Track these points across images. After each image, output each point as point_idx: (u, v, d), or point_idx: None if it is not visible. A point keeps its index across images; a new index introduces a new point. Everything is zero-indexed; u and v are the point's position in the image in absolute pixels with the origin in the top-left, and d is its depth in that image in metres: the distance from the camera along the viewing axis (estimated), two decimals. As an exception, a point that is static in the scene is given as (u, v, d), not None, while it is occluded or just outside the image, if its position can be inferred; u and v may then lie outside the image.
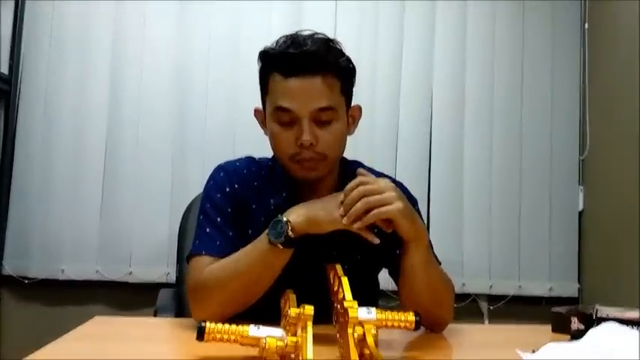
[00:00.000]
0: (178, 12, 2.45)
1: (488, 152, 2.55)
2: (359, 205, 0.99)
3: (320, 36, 1.13)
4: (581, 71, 2.63)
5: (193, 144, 2.41)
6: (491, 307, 2.52)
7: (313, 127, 1.09)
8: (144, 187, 2.38)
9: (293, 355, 0.80)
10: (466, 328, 1.22)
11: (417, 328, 0.90)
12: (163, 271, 2.33)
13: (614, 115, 2.41)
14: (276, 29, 2.25)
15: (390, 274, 1.24)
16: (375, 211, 0.99)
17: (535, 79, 2.60)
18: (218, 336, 0.84)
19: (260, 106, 1.21)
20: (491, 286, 2.51)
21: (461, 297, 2.43)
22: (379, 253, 1.18)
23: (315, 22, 2.31)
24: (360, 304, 0.84)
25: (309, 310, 0.80)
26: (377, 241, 1.01)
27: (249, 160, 1.26)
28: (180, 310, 1.48)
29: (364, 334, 0.82)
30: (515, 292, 2.52)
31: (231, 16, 2.46)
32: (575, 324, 1.12)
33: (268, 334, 0.82)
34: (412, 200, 1.18)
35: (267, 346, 0.79)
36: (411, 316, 0.89)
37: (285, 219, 1.02)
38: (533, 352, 0.85)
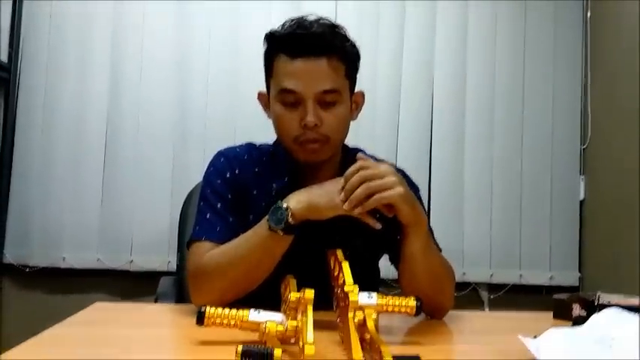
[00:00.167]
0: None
1: (489, 141, 2.55)
2: (360, 190, 0.98)
3: (326, 20, 1.13)
4: (582, 61, 2.62)
5: (194, 131, 2.41)
6: (492, 296, 2.53)
7: (317, 108, 1.10)
8: (144, 175, 2.37)
9: (293, 340, 0.79)
10: (467, 315, 1.21)
11: (417, 313, 0.89)
12: (164, 259, 2.33)
13: (615, 104, 2.40)
14: (276, 24, 2.23)
15: (391, 260, 1.24)
16: (376, 196, 0.98)
17: (537, 68, 2.59)
18: (218, 320, 0.83)
19: (263, 89, 1.21)
20: (491, 275, 2.51)
21: (461, 286, 2.43)
22: (380, 239, 1.18)
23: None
24: (361, 290, 0.83)
25: (310, 293, 0.80)
26: (379, 225, 1.01)
27: (250, 146, 1.26)
28: (180, 296, 1.48)
29: (365, 319, 0.81)
30: (516, 281, 2.52)
31: (232, 8, 2.44)
32: (577, 310, 1.11)
33: (268, 318, 0.81)
34: (414, 188, 1.18)
35: (267, 331, 0.78)
36: (411, 302, 0.89)
37: (285, 205, 1.01)
38: (535, 337, 0.85)
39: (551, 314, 1.19)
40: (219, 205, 1.16)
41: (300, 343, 0.73)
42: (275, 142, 1.24)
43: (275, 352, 0.70)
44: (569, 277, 2.54)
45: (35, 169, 2.35)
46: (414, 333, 1.04)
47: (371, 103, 2.40)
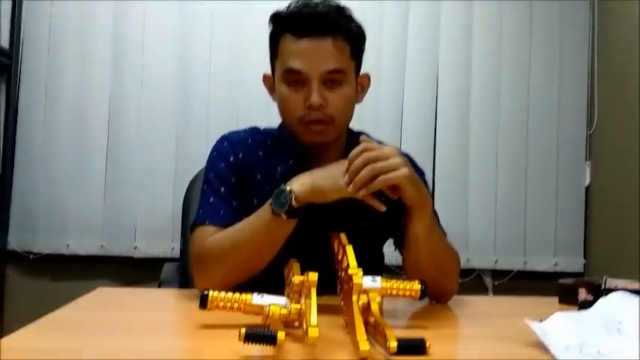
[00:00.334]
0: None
1: (494, 126, 2.53)
2: (364, 172, 0.97)
3: (331, 1, 1.13)
4: (589, 46, 2.59)
5: (197, 117, 2.40)
6: (496, 283, 2.52)
7: (322, 89, 1.09)
8: (148, 161, 2.37)
9: (297, 323, 0.79)
10: (472, 299, 1.21)
11: (422, 297, 0.89)
12: (168, 245, 2.33)
13: (621, 90, 2.38)
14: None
15: (395, 244, 1.23)
16: (381, 178, 0.97)
17: (543, 54, 2.57)
18: (221, 304, 0.83)
19: (268, 71, 1.20)
20: (496, 262, 2.50)
21: (465, 272, 2.42)
22: (385, 223, 1.17)
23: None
24: (365, 274, 0.83)
25: (313, 276, 0.79)
26: (383, 208, 1.00)
27: (254, 130, 1.25)
28: (184, 282, 1.47)
29: (369, 303, 0.81)
30: (521, 267, 2.51)
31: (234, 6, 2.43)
32: (583, 295, 1.10)
33: (272, 302, 0.81)
34: (420, 171, 1.17)
35: (270, 314, 0.78)
36: (416, 285, 0.88)
37: (288, 188, 1.00)
38: (541, 321, 0.84)
39: (556, 299, 1.18)
40: (222, 189, 1.15)
41: (304, 326, 0.73)
42: (279, 126, 1.24)
43: (279, 335, 0.69)
44: (574, 263, 2.53)
45: (38, 155, 2.34)
46: (418, 317, 1.04)
47: (375, 104, 2.40)
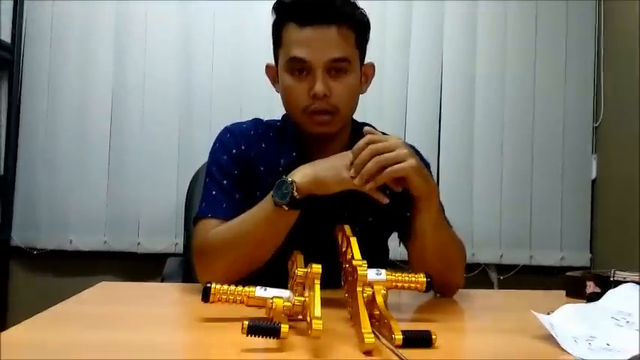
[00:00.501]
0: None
1: (499, 119, 2.50)
2: (371, 164, 0.95)
3: None
4: (595, 37, 2.56)
5: (199, 112, 2.39)
6: (502, 277, 2.50)
7: (327, 78, 1.07)
8: (151, 156, 2.36)
9: (300, 316, 0.78)
10: (477, 293, 1.20)
11: (427, 289, 0.88)
12: (171, 241, 2.32)
13: (628, 82, 2.35)
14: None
15: (400, 237, 1.22)
16: (388, 170, 0.95)
17: (549, 44, 2.53)
18: (224, 297, 0.82)
19: (271, 62, 1.18)
20: (501, 256, 2.48)
21: (470, 267, 2.40)
22: (390, 216, 1.16)
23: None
24: (369, 267, 0.81)
25: (317, 268, 0.78)
26: (386, 200, 0.98)
27: (257, 122, 1.24)
28: (187, 277, 1.47)
29: (373, 295, 0.80)
30: (526, 261, 2.49)
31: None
32: (591, 287, 1.09)
33: (275, 294, 0.80)
34: (425, 163, 1.15)
35: (274, 307, 0.77)
36: (421, 277, 0.87)
37: (290, 179, 0.99)
38: (548, 314, 0.83)
39: (563, 293, 1.16)
40: (225, 182, 1.14)
41: (308, 319, 0.72)
42: (283, 117, 1.22)
43: (282, 327, 0.68)
44: (580, 257, 2.50)
45: (41, 151, 2.34)
46: (423, 310, 1.02)
47: (378, 104, 2.38)
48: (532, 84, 2.52)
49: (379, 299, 0.79)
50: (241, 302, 0.81)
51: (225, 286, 0.82)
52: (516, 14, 2.53)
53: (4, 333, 0.70)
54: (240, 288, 0.82)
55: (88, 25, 2.36)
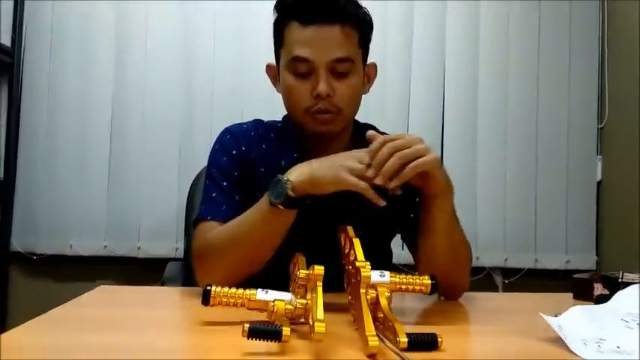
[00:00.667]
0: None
1: (503, 121, 2.48)
2: (392, 160, 0.91)
3: None
4: (599, 38, 2.55)
5: (200, 116, 2.38)
6: (506, 281, 2.48)
7: (330, 78, 1.06)
8: (151, 160, 2.35)
9: (303, 319, 0.76)
10: (483, 296, 1.18)
11: (432, 292, 0.86)
12: (172, 245, 2.31)
13: (633, 82, 2.33)
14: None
15: (403, 238, 1.20)
16: (412, 165, 0.92)
17: (553, 46, 2.52)
18: (224, 300, 0.80)
19: (272, 62, 1.16)
20: (506, 259, 2.46)
21: (475, 270, 2.38)
22: (393, 217, 1.14)
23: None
24: (373, 269, 0.79)
25: (319, 270, 0.76)
26: (383, 203, 0.95)
27: (257, 122, 1.22)
28: (188, 281, 1.45)
29: (377, 298, 0.78)
30: (531, 265, 2.46)
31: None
32: (599, 290, 1.07)
33: (277, 297, 0.78)
34: None
35: (275, 309, 0.75)
36: (426, 280, 0.85)
37: (285, 178, 0.97)
38: (556, 316, 0.81)
39: (570, 295, 1.14)
40: (225, 184, 1.13)
41: (310, 321, 0.70)
42: (283, 118, 1.21)
43: (283, 330, 0.66)
44: (586, 260, 2.47)
45: (41, 156, 2.33)
46: (428, 314, 1.01)
47: (380, 105, 2.36)
48: (535, 85, 2.51)
49: (383, 301, 0.77)
50: (242, 305, 0.80)
51: (226, 289, 0.80)
52: (519, 14, 2.51)
53: (2, 335, 0.69)
54: (240, 291, 0.80)
55: (88, 30, 2.36)
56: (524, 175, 2.48)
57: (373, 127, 1.24)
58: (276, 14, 1.12)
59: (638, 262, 2.18)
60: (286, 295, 0.79)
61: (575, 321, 0.78)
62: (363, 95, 1.16)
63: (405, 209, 1.16)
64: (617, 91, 2.46)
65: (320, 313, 0.69)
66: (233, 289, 0.80)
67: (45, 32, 2.35)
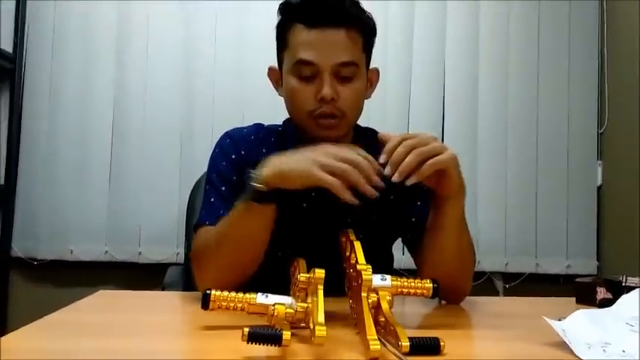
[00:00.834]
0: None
1: (503, 126, 2.48)
2: (411, 157, 0.89)
3: None
4: (599, 42, 2.54)
5: (201, 121, 2.37)
6: (507, 286, 2.46)
7: (334, 82, 1.05)
8: (152, 165, 2.34)
9: (303, 323, 0.75)
10: (484, 300, 1.17)
11: (434, 295, 0.85)
12: (173, 250, 2.30)
13: (632, 86, 2.32)
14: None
15: (405, 242, 1.19)
16: (430, 162, 0.90)
17: (552, 50, 2.52)
18: (224, 304, 0.79)
19: (273, 65, 1.16)
20: (506, 264, 2.45)
21: (475, 275, 2.30)
22: (395, 221, 1.13)
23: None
24: (374, 273, 0.79)
25: (320, 273, 0.75)
26: (356, 201, 0.91)
27: (258, 126, 1.22)
28: (188, 286, 1.44)
29: (378, 301, 0.77)
30: (532, 269, 2.45)
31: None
32: (602, 294, 1.06)
33: (277, 301, 0.77)
34: None
35: (275, 313, 0.74)
36: (427, 283, 0.84)
37: (255, 173, 0.94)
38: (560, 320, 0.80)
39: (573, 300, 1.13)
40: (223, 188, 1.12)
41: (311, 325, 0.69)
42: (284, 122, 1.20)
43: (284, 334, 0.66)
44: (587, 265, 2.46)
45: (42, 161, 2.32)
46: (429, 317, 1.00)
47: (380, 107, 2.35)
48: (535, 91, 2.51)
49: (384, 305, 0.76)
50: (242, 309, 0.79)
51: (226, 293, 0.79)
52: (518, 15, 2.51)
53: (0, 339, 0.68)
54: (240, 295, 0.79)
55: (89, 36, 2.36)
56: (524, 180, 2.47)
57: (373, 131, 1.24)
58: (280, 16, 1.11)
59: (638, 269, 2.18)
60: (287, 299, 0.78)
61: (579, 325, 0.77)
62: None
63: (406, 213, 1.15)
64: (616, 96, 2.46)
65: (321, 316, 0.69)
66: (233, 293, 0.80)
67: (46, 39, 2.36)
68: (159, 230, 2.31)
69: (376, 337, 0.66)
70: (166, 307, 1.05)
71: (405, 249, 1.24)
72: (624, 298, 0.84)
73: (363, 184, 0.90)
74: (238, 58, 2.39)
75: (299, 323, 0.75)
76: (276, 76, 1.15)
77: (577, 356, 0.69)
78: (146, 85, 2.37)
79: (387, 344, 0.70)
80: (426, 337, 0.69)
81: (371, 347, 0.65)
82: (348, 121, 1.10)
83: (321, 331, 0.66)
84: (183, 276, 1.53)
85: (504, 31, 2.51)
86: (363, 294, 0.76)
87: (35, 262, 2.32)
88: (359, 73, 1.08)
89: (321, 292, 0.74)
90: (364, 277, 0.76)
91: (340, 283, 0.88)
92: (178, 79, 2.38)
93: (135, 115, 2.36)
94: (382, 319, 0.75)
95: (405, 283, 0.83)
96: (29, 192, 2.32)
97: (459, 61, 2.48)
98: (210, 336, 0.78)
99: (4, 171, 2.31)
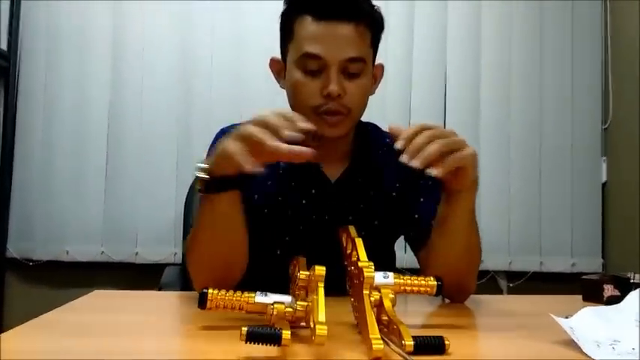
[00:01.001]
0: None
1: (506, 122, 2.46)
2: (434, 146, 0.85)
3: None
4: (602, 38, 2.53)
5: (198, 121, 2.35)
6: (511, 285, 2.44)
7: (341, 77, 1.02)
8: (149, 165, 2.33)
9: (304, 322, 0.73)
10: (489, 298, 1.15)
11: (437, 293, 0.82)
12: (170, 251, 2.29)
13: (637, 82, 2.31)
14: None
15: (407, 239, 1.17)
16: (457, 155, 0.87)
17: (556, 46, 2.50)
18: (221, 303, 0.76)
19: (277, 56, 1.13)
20: (510, 263, 2.42)
21: (479, 274, 2.34)
22: (397, 219, 1.11)
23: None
24: (376, 270, 0.76)
25: (320, 270, 0.73)
26: (262, 169, 0.85)
27: None
28: (186, 286, 1.42)
29: (381, 300, 0.75)
30: (536, 268, 2.43)
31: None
32: (609, 291, 1.04)
33: (276, 300, 0.75)
34: None
35: (275, 312, 0.72)
36: (431, 281, 0.82)
37: (202, 163, 0.91)
38: (567, 318, 0.78)
39: (579, 297, 1.11)
40: None
41: (311, 324, 0.67)
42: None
43: (283, 333, 0.63)
44: (592, 263, 2.44)
45: (37, 161, 2.31)
46: (433, 316, 0.97)
47: (381, 107, 2.33)
48: (538, 86, 2.49)
49: (387, 303, 0.74)
50: (240, 309, 0.76)
51: (223, 292, 0.77)
52: (521, 13, 2.49)
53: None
54: (238, 293, 0.77)
55: (84, 35, 2.35)
56: (527, 177, 2.46)
57: (375, 127, 1.22)
58: (287, 6, 1.08)
59: (645, 264, 2.16)
60: (286, 298, 0.76)
61: (587, 322, 0.75)
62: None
63: (408, 209, 1.13)
64: (620, 92, 2.44)
65: (322, 315, 0.66)
66: (230, 292, 0.77)
67: (41, 38, 2.34)
68: (156, 230, 2.30)
69: (379, 336, 0.64)
70: (162, 306, 1.03)
71: (407, 247, 1.22)
72: (632, 295, 0.82)
73: (268, 142, 0.83)
74: (236, 61, 2.36)
75: (299, 322, 0.73)
76: (278, 68, 1.13)
77: (586, 354, 0.67)
78: (142, 85, 2.35)
79: (390, 343, 0.67)
80: (430, 336, 0.66)
81: (373, 346, 0.62)
82: (353, 118, 1.07)
83: (321, 330, 0.63)
84: (180, 276, 1.52)
85: (507, 29, 2.49)
86: (365, 292, 0.73)
87: (31, 263, 2.30)
88: (366, 70, 1.06)
89: (321, 290, 0.71)
90: (366, 274, 0.74)
91: (341, 283, 0.85)
92: (175, 79, 2.36)
93: (131, 115, 2.34)
94: (385, 317, 0.73)
95: (408, 281, 0.81)
96: (25, 192, 2.30)
97: (461, 60, 2.46)
98: (208, 336, 0.76)
99: (-1, 171, 2.29)
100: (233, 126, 1.17)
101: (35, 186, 2.30)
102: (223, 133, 1.16)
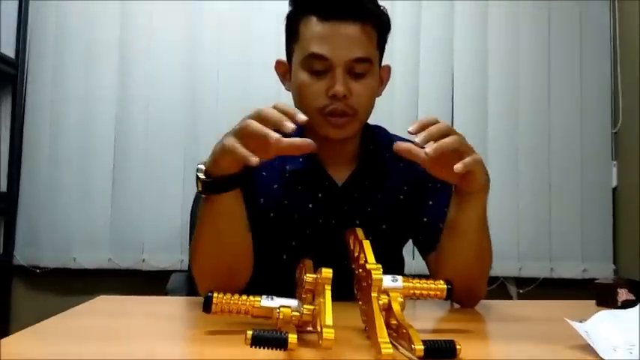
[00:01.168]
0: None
1: (514, 126, 2.43)
2: (452, 140, 0.84)
3: None
4: (611, 41, 2.50)
5: (205, 128, 2.34)
6: (521, 291, 2.41)
7: (347, 78, 1.01)
8: (155, 172, 2.31)
9: (310, 327, 0.71)
10: (499, 303, 1.13)
11: (447, 297, 0.80)
12: (177, 257, 2.27)
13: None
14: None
15: (416, 243, 1.15)
16: (466, 161, 0.85)
17: (564, 49, 2.47)
18: (227, 307, 0.75)
19: (282, 58, 1.12)
20: (520, 269, 2.39)
21: (488, 280, 2.32)
22: (405, 222, 1.09)
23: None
24: (384, 273, 0.74)
25: (327, 272, 0.71)
26: (256, 160, 0.85)
27: None
28: (192, 292, 1.40)
29: (389, 303, 0.73)
30: (547, 274, 2.39)
31: (242, 8, 2.37)
32: (624, 295, 1.01)
33: (282, 303, 0.73)
34: None
35: (281, 316, 0.70)
36: (441, 284, 0.80)
37: (201, 164, 0.90)
38: (581, 322, 0.75)
39: (592, 302, 1.09)
40: None
41: (318, 328, 0.65)
42: (290, 120, 1.16)
43: (289, 337, 0.62)
44: (603, 269, 2.40)
45: (44, 168, 2.30)
46: (443, 321, 0.96)
47: (388, 108, 2.31)
48: (546, 90, 2.46)
49: (396, 307, 0.72)
50: (246, 313, 0.75)
51: (229, 296, 0.75)
52: (529, 22, 2.47)
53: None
54: (244, 297, 0.75)
55: (91, 42, 2.34)
56: (537, 182, 2.42)
57: (382, 129, 1.21)
58: (292, 7, 1.07)
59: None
60: (293, 302, 0.74)
61: (603, 327, 0.73)
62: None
63: (417, 213, 1.12)
64: (630, 95, 2.40)
65: (329, 318, 0.64)
66: (236, 296, 0.76)
67: (49, 44, 2.34)
68: (162, 237, 2.28)
69: (388, 340, 0.63)
70: (167, 311, 1.02)
71: (416, 253, 1.20)
72: (651, 298, 0.80)
73: (265, 132, 0.84)
74: (242, 73, 2.35)
75: (306, 327, 0.71)
76: (283, 69, 1.12)
77: (603, 359, 0.65)
78: (149, 91, 2.34)
79: (400, 347, 0.65)
80: (440, 340, 0.64)
81: (382, 350, 0.61)
82: (359, 120, 1.06)
83: (329, 333, 0.62)
84: (186, 282, 1.50)
85: (514, 30, 2.46)
86: (374, 294, 0.71)
87: (38, 270, 2.29)
88: (372, 70, 1.05)
89: (328, 293, 0.69)
90: (374, 276, 0.72)
91: (349, 287, 0.83)
92: (182, 83, 2.35)
93: (138, 121, 2.34)
94: (394, 321, 0.71)
95: (417, 285, 0.79)
96: (32, 199, 2.30)
97: (469, 62, 2.44)
98: (213, 340, 0.74)
99: (6, 178, 2.29)
100: None
101: (42, 193, 2.29)
102: None
